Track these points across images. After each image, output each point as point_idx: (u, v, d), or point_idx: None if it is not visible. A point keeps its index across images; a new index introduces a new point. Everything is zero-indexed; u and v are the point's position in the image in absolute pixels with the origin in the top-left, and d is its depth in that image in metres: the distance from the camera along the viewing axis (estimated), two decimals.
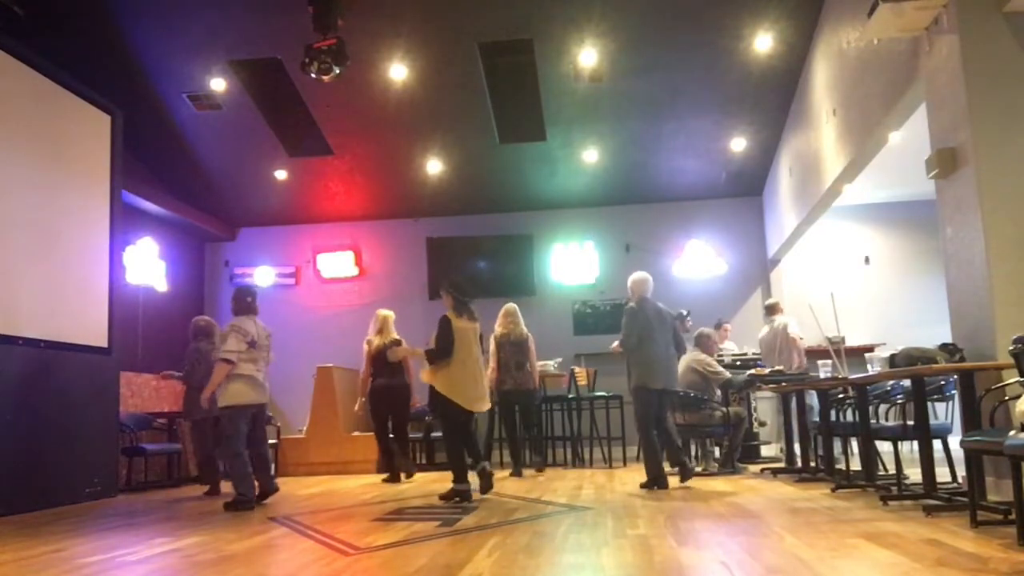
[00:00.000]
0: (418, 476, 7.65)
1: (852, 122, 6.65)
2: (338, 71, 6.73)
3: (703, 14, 7.65)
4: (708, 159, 9.83)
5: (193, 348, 6.79)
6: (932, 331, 6.80)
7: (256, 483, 5.66)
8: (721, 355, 8.26)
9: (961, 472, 4.84)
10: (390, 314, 7.73)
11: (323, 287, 11.02)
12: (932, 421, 4.74)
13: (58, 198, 6.64)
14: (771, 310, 8.47)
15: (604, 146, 9.64)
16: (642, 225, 10.62)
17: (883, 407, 6.04)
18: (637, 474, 6.68)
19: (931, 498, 4.33)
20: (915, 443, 5.37)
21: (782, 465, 7.05)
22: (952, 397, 5.04)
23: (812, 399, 6.85)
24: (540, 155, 9.79)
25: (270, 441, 6.99)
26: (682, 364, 6.95)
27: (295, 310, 10.84)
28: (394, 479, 7.34)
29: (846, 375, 5.36)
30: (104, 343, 7.02)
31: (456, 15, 7.83)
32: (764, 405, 9.22)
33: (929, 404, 4.76)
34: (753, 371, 7.35)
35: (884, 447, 6.64)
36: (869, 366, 4.98)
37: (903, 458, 5.55)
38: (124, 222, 7.80)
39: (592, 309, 10.57)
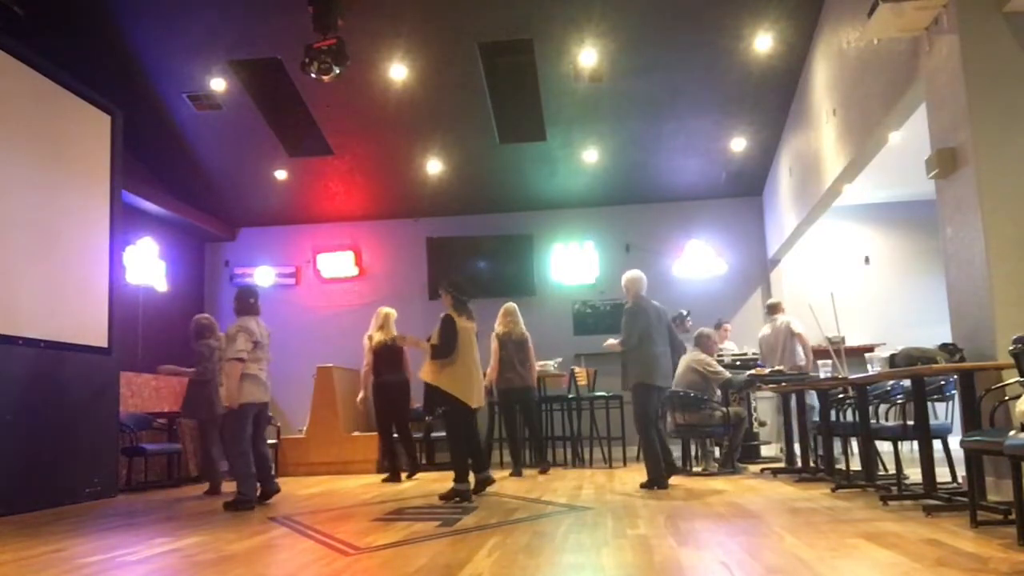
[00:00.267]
0: (418, 476, 7.66)
1: (852, 122, 6.65)
2: (338, 71, 6.74)
3: (703, 14, 7.65)
4: (708, 159, 9.83)
5: (204, 345, 6.80)
6: (932, 331, 6.80)
7: (257, 483, 5.67)
8: (721, 355, 8.26)
9: (961, 472, 4.84)
10: (392, 312, 7.86)
11: (323, 287, 11.02)
12: (932, 421, 4.74)
13: (58, 198, 6.64)
14: (773, 309, 8.48)
15: (604, 146, 9.64)
16: (642, 225, 10.62)
17: (883, 407, 6.03)
18: (637, 474, 6.68)
19: (931, 498, 4.33)
20: (915, 443, 5.37)
21: (782, 465, 7.05)
22: (952, 397, 5.04)
23: (812, 399, 6.85)
24: (540, 155, 9.79)
25: (270, 441, 6.99)
26: (682, 364, 6.96)
27: (295, 310, 10.85)
28: (394, 479, 7.36)
29: (846, 375, 5.36)
30: (104, 343, 7.02)
31: (456, 15, 7.83)
32: (764, 405, 9.22)
33: (929, 404, 4.76)
34: (753, 371, 7.35)
35: (884, 447, 6.64)
36: (869, 366, 4.99)
37: (903, 458, 5.55)
38: (124, 222, 7.80)
39: (592, 309, 10.57)
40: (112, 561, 3.58)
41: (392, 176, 10.24)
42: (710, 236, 10.48)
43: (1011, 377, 3.65)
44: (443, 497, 5.47)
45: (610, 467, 8.00)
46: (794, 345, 8.03)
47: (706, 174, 10.11)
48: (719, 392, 7.21)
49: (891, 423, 5.80)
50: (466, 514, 4.71)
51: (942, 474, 4.90)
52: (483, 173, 10.16)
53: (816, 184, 7.93)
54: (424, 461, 9.11)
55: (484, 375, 7.04)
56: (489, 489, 5.78)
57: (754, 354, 8.56)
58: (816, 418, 6.57)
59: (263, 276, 10.93)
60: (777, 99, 8.77)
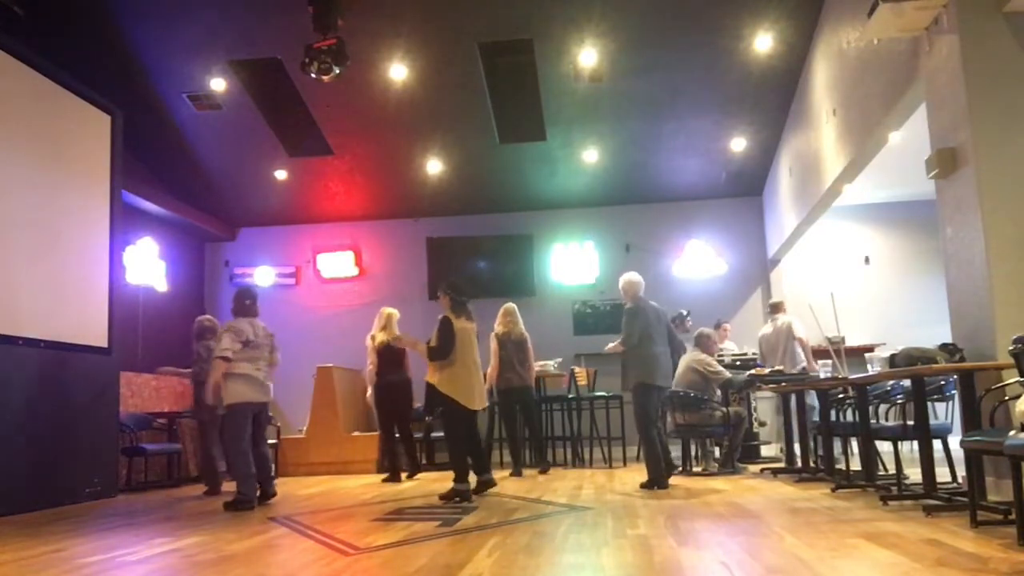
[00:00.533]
0: (418, 476, 7.67)
1: (852, 122, 6.65)
2: (338, 71, 6.74)
3: (703, 14, 7.65)
4: (708, 159, 9.83)
5: (203, 346, 6.81)
6: (932, 331, 6.80)
7: (257, 483, 5.67)
8: (721, 355, 8.26)
9: (961, 472, 4.84)
10: (395, 312, 7.89)
11: (323, 287, 11.02)
12: (932, 421, 4.74)
13: (58, 198, 6.64)
14: (775, 308, 8.47)
15: (604, 146, 9.64)
16: (642, 225, 10.62)
17: (883, 407, 6.03)
18: (637, 474, 6.68)
19: (931, 498, 4.33)
20: (915, 443, 5.37)
21: (782, 465, 7.05)
22: (952, 397, 5.04)
23: (812, 399, 6.85)
24: (540, 155, 9.79)
25: (270, 441, 7.00)
26: (682, 364, 6.97)
27: (295, 310, 10.85)
28: (394, 479, 7.37)
29: (846, 375, 5.36)
30: (104, 343, 7.02)
31: (456, 15, 7.83)
32: (764, 405, 9.23)
33: (929, 404, 4.76)
34: (753, 371, 7.35)
35: (884, 447, 6.64)
36: (869, 366, 4.99)
37: (903, 458, 5.55)
38: (124, 222, 7.80)
39: (592, 309, 10.57)
40: (112, 561, 3.58)
41: (392, 176, 10.24)
42: (710, 236, 10.48)
43: (1011, 377, 3.65)
44: (443, 497, 5.47)
45: (610, 467, 8.00)
46: (794, 347, 8.03)
47: (706, 174, 10.11)
48: (719, 392, 7.21)
49: (891, 423, 5.80)
50: (466, 514, 4.71)
51: (942, 474, 4.90)
52: (483, 173, 10.16)
53: (816, 184, 7.93)
54: (424, 461, 9.11)
55: (484, 376, 7.05)
56: (489, 490, 5.79)
57: (754, 354, 8.56)
58: (816, 418, 6.57)
59: (263, 276, 10.93)
60: (777, 99, 8.77)
